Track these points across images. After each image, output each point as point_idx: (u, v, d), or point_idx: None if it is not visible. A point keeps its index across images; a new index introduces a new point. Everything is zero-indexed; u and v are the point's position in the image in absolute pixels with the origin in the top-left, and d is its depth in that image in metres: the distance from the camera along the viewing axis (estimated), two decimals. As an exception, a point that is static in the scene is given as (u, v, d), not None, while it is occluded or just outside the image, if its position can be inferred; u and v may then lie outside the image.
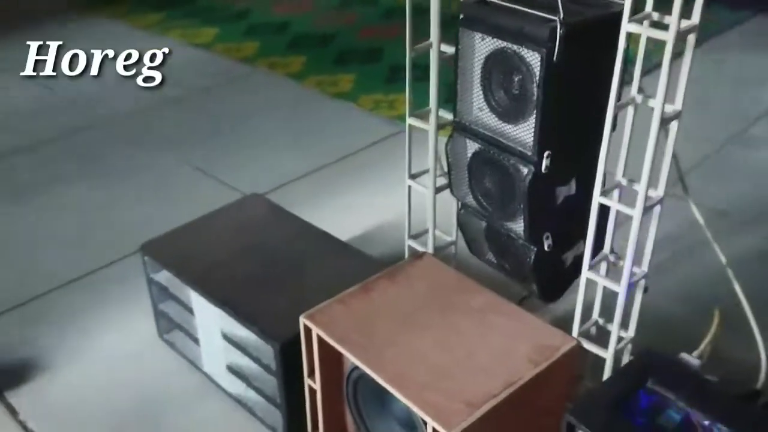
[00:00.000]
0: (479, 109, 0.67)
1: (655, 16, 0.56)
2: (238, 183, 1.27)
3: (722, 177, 1.26)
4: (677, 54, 0.55)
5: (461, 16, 0.65)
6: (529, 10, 0.59)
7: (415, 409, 0.62)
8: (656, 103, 0.55)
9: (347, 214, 1.17)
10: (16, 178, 1.35)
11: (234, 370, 0.87)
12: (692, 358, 0.64)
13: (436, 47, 0.70)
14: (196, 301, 0.87)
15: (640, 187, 0.59)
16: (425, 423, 0.62)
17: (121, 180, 1.34)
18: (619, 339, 0.68)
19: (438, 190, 0.79)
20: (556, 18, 0.57)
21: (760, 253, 1.06)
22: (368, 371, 0.67)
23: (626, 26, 0.55)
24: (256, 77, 1.74)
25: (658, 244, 0.66)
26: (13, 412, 0.88)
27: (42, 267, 1.12)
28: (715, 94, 1.54)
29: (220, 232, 0.95)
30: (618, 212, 0.64)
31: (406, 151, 0.79)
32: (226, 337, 0.85)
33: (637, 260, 0.65)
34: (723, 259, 0.71)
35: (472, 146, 0.69)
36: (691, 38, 0.55)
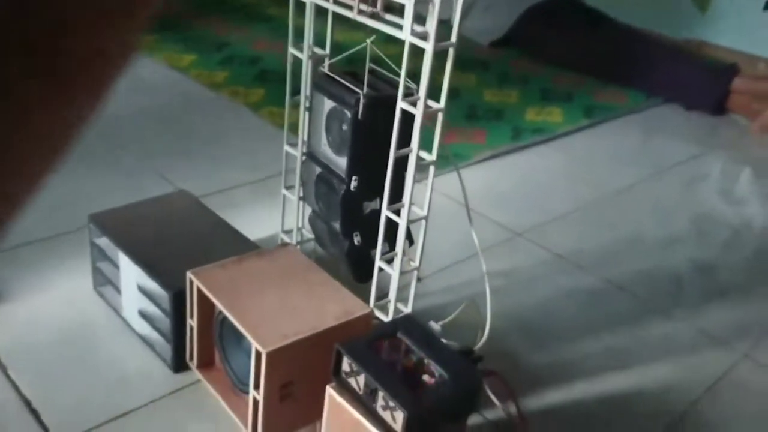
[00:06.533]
0: (324, 145, 1.00)
1: (423, 99, 0.89)
2: (183, 185, 1.59)
3: (577, 230, 1.59)
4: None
5: (314, 83, 0.97)
6: (350, 85, 0.92)
7: (246, 334, 0.93)
8: (412, 154, 0.88)
9: (265, 218, 1.49)
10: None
11: (143, 314, 1.18)
12: (436, 325, 0.95)
13: (303, 101, 1.03)
14: (123, 259, 1.18)
15: (405, 205, 0.91)
16: (252, 345, 0.93)
17: (92, 170, 1.65)
18: (399, 311, 0.99)
19: (302, 198, 1.11)
20: (361, 92, 0.90)
21: (586, 288, 1.39)
22: (225, 311, 0.98)
23: (400, 103, 0.88)
24: (220, 102, 2.08)
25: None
26: (-31, 327, 1.18)
27: (21, 225, 1.42)
28: (593, 166, 1.89)
29: (150, 213, 1.27)
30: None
31: (282, 169, 1.11)
32: (140, 288, 1.16)
33: (414, 257, 0.97)
34: (484, 268, 1.03)
35: (316, 170, 1.01)
36: (440, 115, 0.88)
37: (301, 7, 1.00)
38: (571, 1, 2.56)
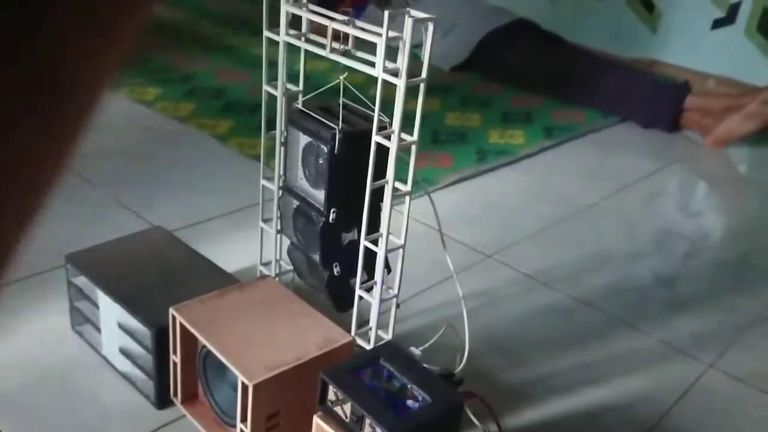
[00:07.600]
0: (300, 179, 1.02)
1: (397, 133, 0.92)
2: (156, 220, 1.60)
3: (545, 249, 1.63)
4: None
5: (289, 118, 1.00)
6: (326, 120, 0.95)
7: (231, 367, 0.95)
8: (388, 185, 0.91)
9: (240, 250, 1.51)
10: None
11: (124, 352, 1.18)
12: (416, 350, 0.98)
13: (279, 136, 1.06)
14: (102, 298, 1.18)
15: (382, 235, 0.94)
16: (238, 378, 0.94)
17: (64, 210, 1.65)
18: (380, 338, 1.02)
19: (280, 231, 1.14)
20: (336, 127, 0.93)
21: (547, 304, 1.43)
22: (208, 345, 1.00)
23: (375, 137, 0.91)
24: (188, 135, 2.09)
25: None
26: (-48, 371, 1.18)
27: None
28: (557, 185, 1.95)
29: (127, 251, 1.28)
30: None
31: (260, 200, 1.13)
32: (121, 326, 1.17)
33: (392, 285, 1.00)
34: (460, 293, 1.06)
35: (294, 203, 1.04)
36: (413, 147, 0.92)
37: (273, 43, 1.03)
38: (528, 25, 2.63)
